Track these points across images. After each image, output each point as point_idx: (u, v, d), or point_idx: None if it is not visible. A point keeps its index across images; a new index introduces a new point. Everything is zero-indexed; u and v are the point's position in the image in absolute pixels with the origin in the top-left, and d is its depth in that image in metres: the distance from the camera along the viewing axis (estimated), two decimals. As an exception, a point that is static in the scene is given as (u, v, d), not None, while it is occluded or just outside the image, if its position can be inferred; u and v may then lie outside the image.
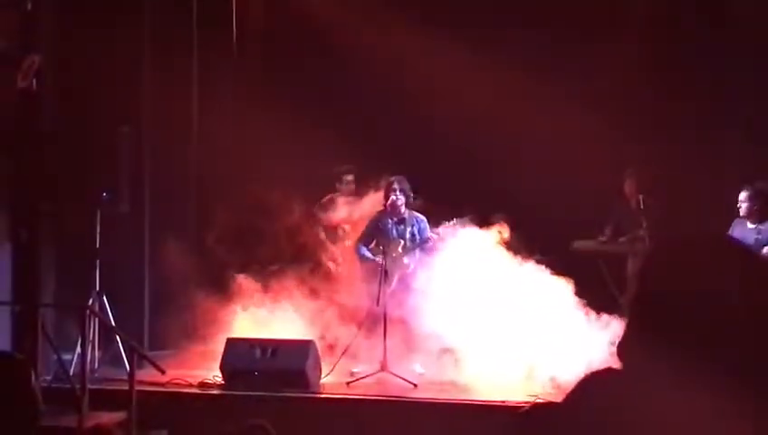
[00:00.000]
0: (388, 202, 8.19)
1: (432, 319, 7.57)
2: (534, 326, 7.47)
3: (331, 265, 9.18)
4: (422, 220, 8.28)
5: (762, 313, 1.52)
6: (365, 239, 8.43)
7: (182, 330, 8.76)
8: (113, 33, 8.63)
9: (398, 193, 8.17)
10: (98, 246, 8.21)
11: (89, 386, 6.38)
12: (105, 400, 6.77)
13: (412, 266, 8.16)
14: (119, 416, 6.62)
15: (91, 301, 7.92)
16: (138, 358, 6.75)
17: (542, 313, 7.50)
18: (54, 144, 8.26)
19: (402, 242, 8.23)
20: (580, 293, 7.66)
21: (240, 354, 7.49)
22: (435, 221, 8.30)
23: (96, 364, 7.82)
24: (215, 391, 7.36)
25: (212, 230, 9.72)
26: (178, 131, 9.16)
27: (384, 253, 7.98)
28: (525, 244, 8.60)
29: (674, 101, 9.92)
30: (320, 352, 7.70)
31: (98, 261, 8.17)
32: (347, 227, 9.16)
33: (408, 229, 8.24)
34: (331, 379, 7.66)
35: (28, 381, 2.76)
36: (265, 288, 8.36)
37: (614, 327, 7.08)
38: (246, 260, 9.83)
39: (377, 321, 7.81)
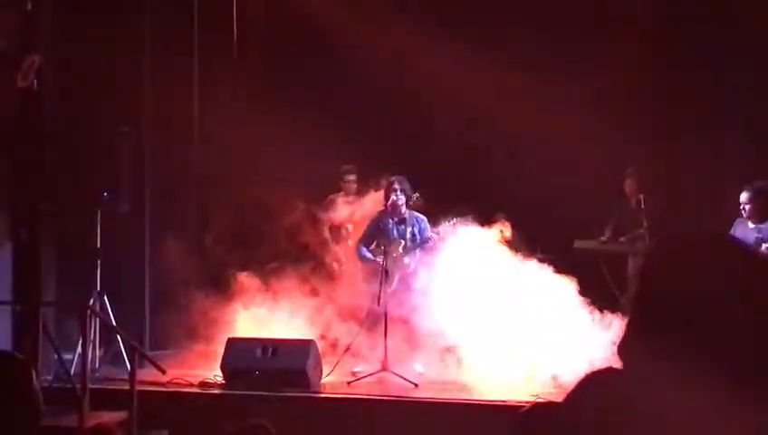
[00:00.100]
0: (389, 202, 8.19)
1: (433, 319, 7.57)
2: (536, 326, 7.47)
3: (334, 264, 9.19)
4: (422, 220, 8.28)
5: (762, 312, 1.53)
6: (366, 240, 8.44)
7: (183, 329, 8.77)
8: (113, 33, 8.63)
9: (398, 193, 8.17)
10: (98, 246, 8.22)
11: (90, 386, 6.37)
12: (106, 399, 6.77)
13: (413, 266, 8.17)
14: (119, 416, 6.62)
15: (91, 301, 7.94)
16: (138, 357, 6.75)
17: (544, 312, 7.49)
18: (54, 144, 8.26)
19: (403, 242, 8.23)
20: (580, 292, 7.66)
21: (241, 354, 7.49)
22: (435, 221, 8.30)
23: (97, 364, 7.83)
24: (215, 391, 7.36)
25: (212, 230, 9.72)
26: (179, 131, 9.17)
27: (385, 253, 7.98)
28: (526, 243, 8.61)
29: (674, 101, 9.92)
30: (320, 352, 7.70)
31: (98, 261, 8.18)
32: (349, 226, 9.17)
33: (409, 229, 8.24)
34: (332, 378, 7.66)
35: (29, 380, 2.76)
36: (266, 288, 8.36)
37: (615, 327, 7.08)
38: (247, 260, 9.84)
39: (378, 320, 7.81)
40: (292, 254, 8.99)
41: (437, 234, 8.13)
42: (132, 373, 6.52)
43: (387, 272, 7.89)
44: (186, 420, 6.91)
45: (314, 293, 8.35)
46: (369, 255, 8.33)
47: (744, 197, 8.18)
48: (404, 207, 8.21)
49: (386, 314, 7.70)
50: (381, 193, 8.36)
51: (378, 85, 9.81)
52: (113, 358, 7.95)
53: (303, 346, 7.51)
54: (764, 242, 7.92)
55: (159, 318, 8.89)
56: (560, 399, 1.64)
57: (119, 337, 7.79)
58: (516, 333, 7.49)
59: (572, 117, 9.54)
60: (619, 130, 9.96)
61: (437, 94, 9.37)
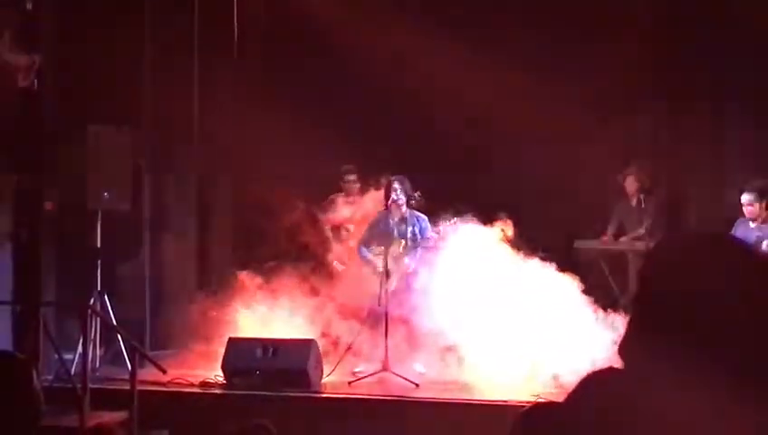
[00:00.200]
0: (389, 202, 8.19)
1: (434, 318, 7.57)
2: (537, 325, 7.47)
3: (335, 264, 9.20)
4: (423, 219, 8.27)
5: (763, 312, 1.53)
6: (366, 239, 8.44)
7: (183, 329, 8.77)
8: (113, 33, 8.64)
9: (398, 192, 8.17)
10: (98, 245, 8.22)
11: (90, 386, 6.37)
12: (106, 399, 6.78)
13: (413, 266, 8.16)
14: (120, 415, 6.62)
15: (92, 300, 7.94)
16: (139, 357, 6.75)
17: (545, 311, 7.49)
18: (54, 144, 8.26)
19: (403, 241, 8.23)
20: (581, 292, 7.66)
21: (241, 354, 7.49)
22: (435, 220, 8.30)
23: (97, 364, 7.83)
24: (216, 391, 7.36)
25: (212, 230, 9.73)
26: (179, 131, 9.17)
27: (385, 253, 7.97)
28: (527, 243, 8.61)
29: (674, 101, 9.93)
30: (321, 352, 7.70)
31: (98, 261, 8.18)
32: (350, 226, 9.17)
33: (410, 229, 8.23)
34: (333, 378, 7.66)
35: (30, 380, 2.75)
36: (267, 287, 8.36)
37: (616, 326, 7.08)
38: (247, 259, 9.84)
39: (378, 320, 7.81)
40: (292, 253, 8.99)
41: (438, 233, 8.12)
42: (133, 373, 6.52)
43: (387, 272, 7.89)
44: (186, 419, 6.91)
45: (315, 292, 8.35)
46: (369, 255, 8.34)
47: (746, 198, 8.19)
48: (404, 206, 8.20)
49: (386, 314, 7.70)
50: (382, 192, 8.36)
51: (378, 85, 9.81)
52: (114, 358, 7.95)
53: (304, 346, 7.51)
54: (765, 239, 7.93)
55: (159, 318, 8.90)
56: (560, 399, 1.64)
57: (119, 337, 7.79)
58: (517, 333, 7.49)
59: (572, 117, 9.55)
60: (619, 130, 9.97)
61: (437, 94, 9.37)
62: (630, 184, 9.44)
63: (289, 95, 9.58)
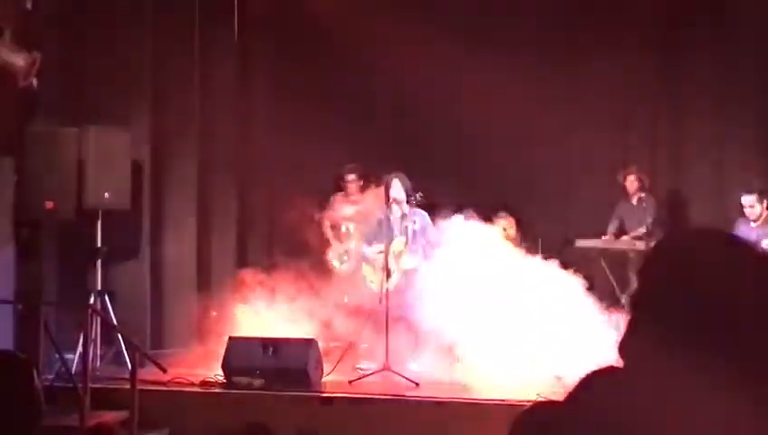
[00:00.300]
0: (390, 199, 8.18)
1: (435, 317, 7.57)
2: (539, 324, 7.46)
3: (335, 263, 9.21)
4: (424, 217, 8.27)
5: (764, 310, 1.53)
6: (367, 237, 8.44)
7: (183, 329, 8.78)
8: (113, 32, 8.64)
9: (399, 190, 8.17)
10: (98, 245, 8.22)
11: (91, 385, 6.38)
12: (107, 399, 6.78)
13: (414, 264, 8.16)
14: (120, 415, 6.63)
15: (92, 300, 7.94)
16: (139, 357, 6.75)
17: (547, 310, 7.49)
18: (54, 144, 8.26)
19: (404, 239, 8.22)
20: (582, 291, 7.66)
21: (242, 353, 7.49)
22: (436, 219, 8.29)
23: (98, 363, 7.83)
24: (216, 390, 7.36)
25: (212, 230, 9.74)
26: (179, 131, 9.17)
27: (386, 251, 7.97)
28: (528, 242, 8.62)
29: (674, 101, 9.93)
30: (321, 351, 7.70)
31: (98, 261, 8.19)
32: (351, 226, 9.18)
33: (411, 226, 8.23)
34: (333, 378, 7.66)
35: (31, 380, 2.76)
36: (267, 286, 8.36)
37: (617, 326, 7.08)
38: (248, 258, 9.85)
39: (379, 319, 7.81)
40: (293, 252, 9.00)
41: (439, 231, 8.08)
42: (133, 373, 6.52)
43: (388, 270, 7.89)
44: (187, 419, 6.92)
45: (316, 291, 8.35)
46: (370, 253, 8.34)
47: (747, 200, 8.20)
48: (405, 203, 8.20)
49: (387, 313, 7.69)
50: (382, 190, 8.35)
51: (379, 85, 9.83)
52: (114, 357, 7.96)
53: (305, 345, 7.51)
54: (765, 238, 7.94)
55: (159, 318, 8.91)
56: (561, 398, 1.63)
57: (120, 336, 7.80)
58: (519, 332, 7.49)
59: (573, 117, 9.55)
60: (619, 129, 9.98)
61: (438, 94, 9.38)
62: (631, 183, 9.44)
63: (289, 95, 9.59)
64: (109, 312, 8.03)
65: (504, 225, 8.89)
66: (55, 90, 8.39)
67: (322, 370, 7.60)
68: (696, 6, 9.73)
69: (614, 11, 9.68)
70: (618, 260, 9.26)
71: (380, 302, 7.75)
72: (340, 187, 9.35)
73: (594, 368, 1.63)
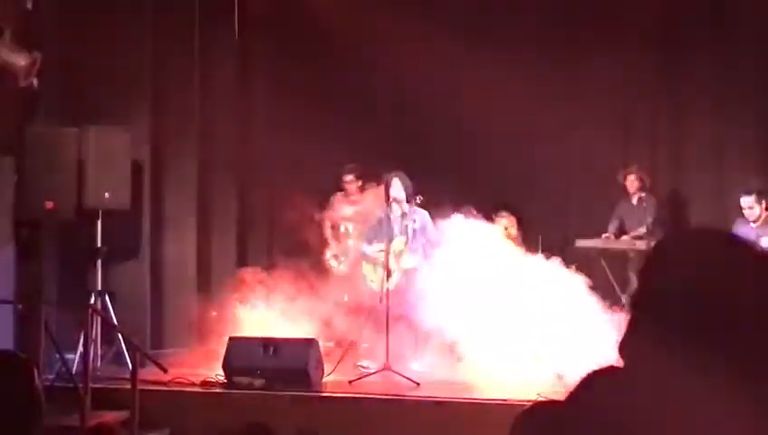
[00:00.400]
0: (390, 198, 8.18)
1: (435, 316, 7.56)
2: (540, 323, 7.46)
3: (332, 263, 9.21)
4: (424, 216, 8.26)
5: (764, 309, 1.53)
6: (367, 237, 8.44)
7: (183, 329, 8.78)
8: (113, 32, 8.64)
9: (399, 189, 8.16)
10: (98, 245, 8.22)
11: (91, 385, 6.38)
12: (107, 399, 6.78)
13: (415, 263, 8.16)
14: (121, 415, 6.63)
15: (92, 300, 7.94)
16: (140, 357, 6.76)
17: (548, 309, 7.48)
18: (54, 144, 8.26)
19: (405, 238, 8.22)
20: (583, 291, 7.66)
21: (242, 353, 7.49)
22: (436, 218, 8.29)
23: (98, 363, 7.83)
24: (217, 390, 7.37)
25: (212, 230, 9.74)
26: (179, 131, 9.18)
27: (386, 250, 7.97)
28: (528, 242, 8.62)
29: (674, 101, 9.94)
30: (322, 351, 7.70)
31: (99, 261, 8.19)
32: (350, 225, 9.18)
33: (411, 225, 8.22)
34: (334, 377, 7.66)
35: (31, 380, 2.76)
36: (268, 286, 8.37)
37: (617, 325, 7.07)
38: (248, 258, 9.85)
39: (379, 318, 7.80)
40: (293, 252, 9.00)
41: (439, 230, 8.08)
42: (134, 373, 6.52)
43: (389, 269, 7.89)
44: (187, 419, 6.92)
45: (316, 291, 8.35)
46: (370, 252, 8.34)
47: (746, 201, 8.19)
48: (405, 203, 8.20)
49: (388, 312, 7.69)
50: (382, 190, 8.35)
51: (379, 85, 9.83)
52: (115, 357, 7.96)
53: (305, 345, 7.50)
54: (764, 237, 7.94)
55: (160, 318, 8.91)
56: (562, 397, 1.64)
57: (120, 336, 7.80)
58: (520, 332, 7.49)
59: (573, 116, 9.55)
60: (619, 128, 9.98)
61: (438, 93, 9.38)
62: (631, 183, 9.44)
63: (289, 94, 9.59)
64: (109, 312, 8.03)
65: (505, 224, 8.90)
66: (55, 90, 8.39)
67: (323, 370, 7.60)
68: (696, 6, 9.73)
69: (614, 8, 9.69)
70: (618, 260, 9.26)
71: (381, 301, 7.74)
72: (340, 187, 9.35)
73: (594, 368, 1.63)
